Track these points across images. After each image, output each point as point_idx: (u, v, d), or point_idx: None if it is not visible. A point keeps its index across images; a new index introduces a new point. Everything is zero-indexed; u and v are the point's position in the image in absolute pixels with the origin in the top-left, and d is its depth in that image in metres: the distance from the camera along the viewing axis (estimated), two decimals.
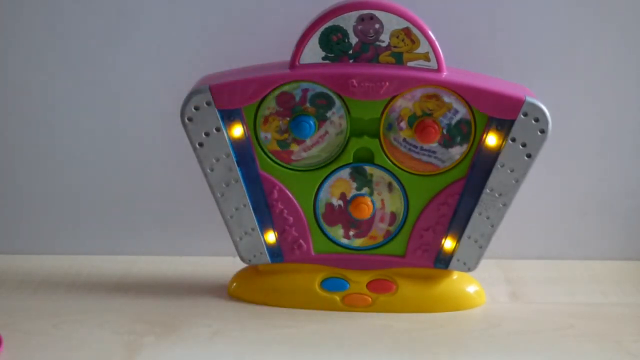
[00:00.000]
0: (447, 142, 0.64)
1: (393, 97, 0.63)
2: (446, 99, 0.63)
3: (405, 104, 0.63)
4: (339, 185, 0.67)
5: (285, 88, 0.63)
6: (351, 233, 0.69)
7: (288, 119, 0.64)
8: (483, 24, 0.73)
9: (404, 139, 0.65)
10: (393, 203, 0.67)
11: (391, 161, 0.66)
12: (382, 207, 0.68)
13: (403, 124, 0.64)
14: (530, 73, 0.73)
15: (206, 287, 0.74)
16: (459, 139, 0.64)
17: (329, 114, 0.64)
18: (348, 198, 0.67)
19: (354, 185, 0.67)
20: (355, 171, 0.66)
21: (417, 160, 0.65)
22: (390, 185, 0.67)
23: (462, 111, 0.63)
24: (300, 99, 0.63)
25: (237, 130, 0.64)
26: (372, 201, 0.67)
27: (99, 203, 0.80)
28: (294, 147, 0.66)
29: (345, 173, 0.66)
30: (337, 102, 0.63)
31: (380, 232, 0.68)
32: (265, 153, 0.66)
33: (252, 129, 0.65)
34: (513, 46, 0.73)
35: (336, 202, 0.68)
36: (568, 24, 0.73)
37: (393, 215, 0.68)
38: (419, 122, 0.64)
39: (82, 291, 0.74)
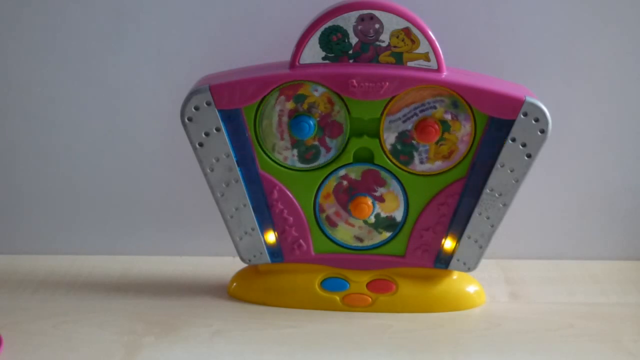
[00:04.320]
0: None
1: (393, 97, 0.63)
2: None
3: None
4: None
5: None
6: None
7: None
8: (483, 24, 0.73)
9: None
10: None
11: (391, 161, 0.66)
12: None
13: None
14: (530, 73, 0.73)
15: (206, 287, 0.75)
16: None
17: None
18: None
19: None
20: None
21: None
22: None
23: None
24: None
25: (237, 130, 0.64)
26: (369, 197, 0.67)
27: (98, 203, 0.80)
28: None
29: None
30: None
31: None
32: (267, 154, 0.66)
33: (252, 129, 0.65)
34: (513, 46, 0.73)
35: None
36: (568, 24, 0.73)
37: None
38: (418, 123, 0.63)
39: (82, 291, 0.74)
